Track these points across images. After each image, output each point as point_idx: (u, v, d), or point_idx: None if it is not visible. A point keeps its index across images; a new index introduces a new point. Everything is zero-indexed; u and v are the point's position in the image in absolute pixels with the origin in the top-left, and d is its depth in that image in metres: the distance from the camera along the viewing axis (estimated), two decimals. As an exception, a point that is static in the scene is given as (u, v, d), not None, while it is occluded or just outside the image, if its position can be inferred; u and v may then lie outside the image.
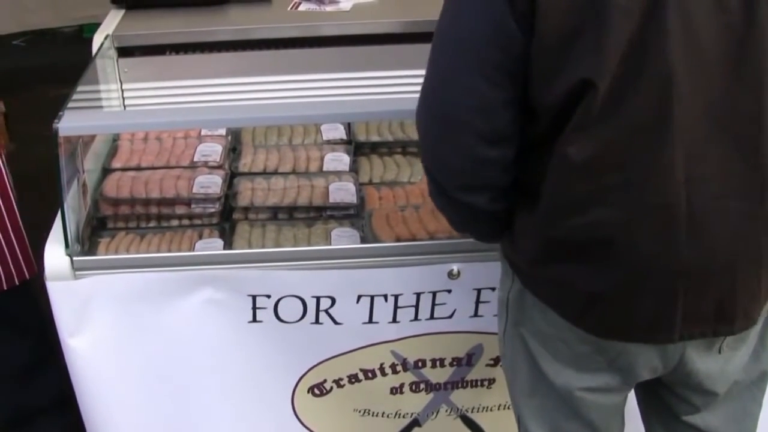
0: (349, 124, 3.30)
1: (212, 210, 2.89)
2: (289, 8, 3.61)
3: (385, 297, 2.65)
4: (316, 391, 2.86)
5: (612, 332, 2.03)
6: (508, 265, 2.22)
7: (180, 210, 2.89)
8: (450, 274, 2.64)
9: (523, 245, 2.08)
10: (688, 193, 1.86)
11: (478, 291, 2.69)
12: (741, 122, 1.86)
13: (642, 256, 1.92)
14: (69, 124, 2.55)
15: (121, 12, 3.54)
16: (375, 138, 3.25)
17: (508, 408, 2.92)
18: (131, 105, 3.40)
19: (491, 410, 2.99)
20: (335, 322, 2.69)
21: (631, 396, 2.33)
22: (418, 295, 2.67)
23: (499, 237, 2.20)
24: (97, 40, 3.30)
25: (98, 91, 3.01)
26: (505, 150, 1.97)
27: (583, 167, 1.87)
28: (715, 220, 1.90)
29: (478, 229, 2.21)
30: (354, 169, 3.11)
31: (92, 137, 2.95)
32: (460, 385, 2.92)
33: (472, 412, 2.99)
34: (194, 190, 2.89)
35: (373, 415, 2.95)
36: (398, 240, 2.72)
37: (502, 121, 1.92)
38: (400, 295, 2.66)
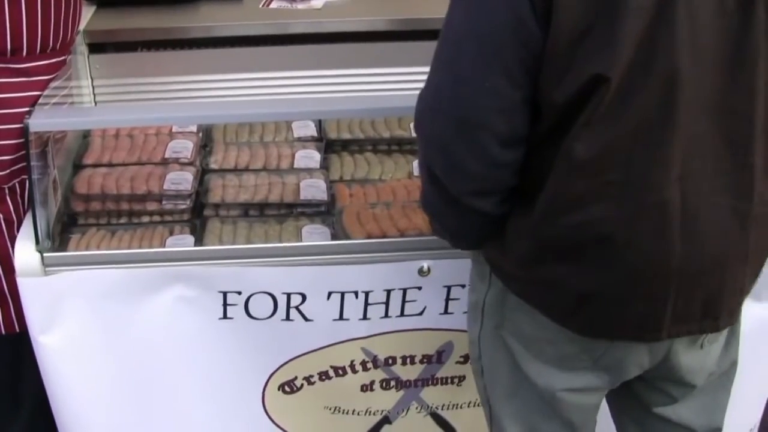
0: (320, 121, 3.31)
1: (183, 206, 2.89)
2: (260, 6, 3.60)
3: (356, 294, 2.66)
4: (287, 389, 2.86)
5: (601, 331, 2.04)
6: (488, 269, 2.20)
7: (151, 206, 2.88)
8: (420, 272, 2.65)
9: (515, 247, 2.06)
10: (682, 190, 1.87)
11: (449, 288, 2.70)
12: (734, 121, 1.87)
13: (638, 254, 1.92)
14: (40, 120, 2.55)
15: (92, 8, 3.52)
16: (346, 135, 3.25)
17: (478, 405, 2.92)
18: (102, 101, 3.38)
19: (461, 407, 3.00)
20: (306, 319, 2.69)
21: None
22: (389, 292, 2.68)
23: (484, 243, 2.18)
24: (68, 36, 3.29)
25: (69, 88, 3.00)
26: (519, 151, 1.95)
27: (587, 164, 1.86)
28: (706, 217, 1.91)
29: (472, 235, 2.15)
30: (325, 166, 3.12)
31: (63, 134, 2.94)
32: (430, 383, 2.93)
33: (442, 409, 3.00)
34: (165, 187, 2.88)
35: (343, 413, 2.95)
36: (369, 237, 2.72)
37: (520, 122, 1.90)
38: (371, 292, 2.66)
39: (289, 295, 2.64)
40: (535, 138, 1.94)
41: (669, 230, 1.90)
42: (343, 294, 2.66)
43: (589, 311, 2.00)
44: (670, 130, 1.83)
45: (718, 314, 2.03)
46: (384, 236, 2.72)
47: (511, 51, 1.83)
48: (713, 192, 1.91)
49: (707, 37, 1.80)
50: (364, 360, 2.83)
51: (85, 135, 3.17)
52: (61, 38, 2.75)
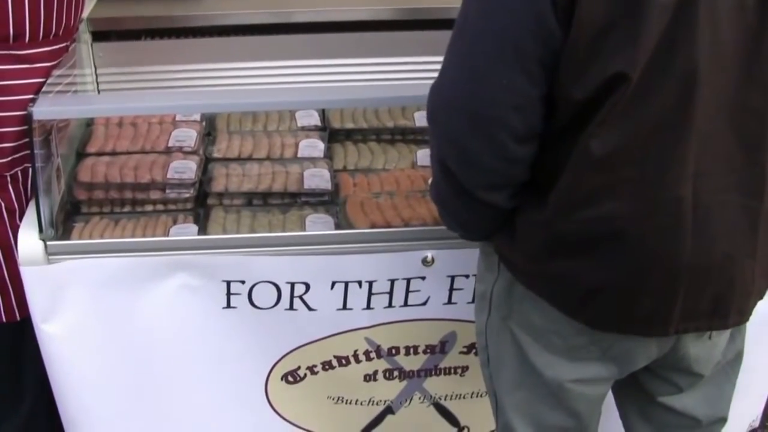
0: (323, 110, 3.30)
1: (187, 195, 2.88)
2: (264, -6, 3.60)
3: (360, 283, 2.66)
4: (290, 378, 2.86)
5: (610, 325, 2.04)
6: (496, 260, 2.20)
7: (154, 195, 2.88)
8: (424, 261, 2.64)
9: (526, 240, 2.06)
10: (695, 188, 1.88)
11: (452, 278, 2.70)
12: (748, 118, 1.88)
13: (649, 250, 1.92)
14: (43, 108, 2.54)
15: (97, -4, 3.52)
16: (349, 125, 3.25)
17: (481, 396, 2.94)
18: (106, 90, 3.38)
19: (464, 398, 3.00)
20: (309, 309, 2.69)
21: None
22: (392, 281, 2.67)
23: (493, 235, 2.18)
24: (72, 24, 3.29)
25: (72, 76, 3.00)
26: (533, 146, 1.95)
27: (603, 161, 1.86)
28: (716, 214, 1.92)
29: (482, 227, 2.16)
30: (328, 155, 3.11)
31: (66, 122, 2.94)
32: (433, 373, 2.93)
33: (445, 399, 3.00)
34: (169, 176, 2.87)
35: (346, 403, 2.95)
36: (373, 227, 2.72)
37: (536, 118, 1.90)
38: (375, 281, 2.66)
39: (292, 285, 2.64)
40: (550, 133, 1.93)
41: (681, 227, 1.90)
42: (346, 284, 2.66)
43: (599, 305, 2.00)
44: (687, 128, 1.84)
45: (728, 312, 2.03)
46: (388, 226, 2.72)
47: (528, 47, 1.82)
48: (725, 189, 1.91)
49: (726, 33, 1.80)
50: (367, 350, 2.82)
51: (89, 123, 3.16)
52: (63, 24, 2.74)
